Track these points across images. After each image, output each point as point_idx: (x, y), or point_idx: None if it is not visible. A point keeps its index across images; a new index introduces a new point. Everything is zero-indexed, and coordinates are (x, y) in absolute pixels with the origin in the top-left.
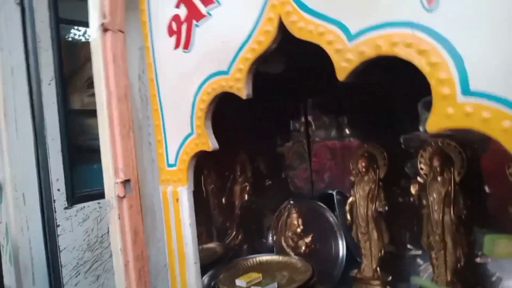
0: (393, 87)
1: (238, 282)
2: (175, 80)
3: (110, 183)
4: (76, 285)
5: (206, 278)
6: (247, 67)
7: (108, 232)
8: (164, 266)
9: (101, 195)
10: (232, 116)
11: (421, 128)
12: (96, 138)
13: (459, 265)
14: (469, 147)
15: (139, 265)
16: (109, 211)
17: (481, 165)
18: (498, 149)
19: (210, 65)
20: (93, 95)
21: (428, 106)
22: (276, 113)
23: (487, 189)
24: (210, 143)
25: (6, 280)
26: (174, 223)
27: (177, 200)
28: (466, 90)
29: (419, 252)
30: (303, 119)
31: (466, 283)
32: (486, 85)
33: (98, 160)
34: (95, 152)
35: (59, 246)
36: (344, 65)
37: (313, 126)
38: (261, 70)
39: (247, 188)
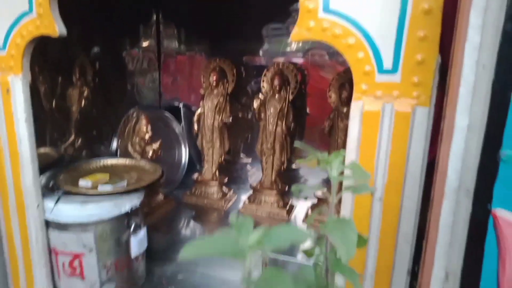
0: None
1: (82, 182)
2: None
3: None
4: None
5: (43, 179)
6: None
7: None
8: None
9: None
10: (73, 9)
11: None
12: None
13: (282, 168)
14: (302, 71)
15: None
16: None
17: (307, 88)
18: (323, 76)
19: None
20: None
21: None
22: (125, 13)
23: (308, 108)
24: (57, 28)
25: None
26: (3, 119)
27: (7, 90)
28: (326, 7)
29: (250, 160)
30: (154, 25)
31: (285, 183)
32: (342, 5)
33: None
34: None
35: None
36: None
37: (164, 35)
38: None
39: (86, 93)
